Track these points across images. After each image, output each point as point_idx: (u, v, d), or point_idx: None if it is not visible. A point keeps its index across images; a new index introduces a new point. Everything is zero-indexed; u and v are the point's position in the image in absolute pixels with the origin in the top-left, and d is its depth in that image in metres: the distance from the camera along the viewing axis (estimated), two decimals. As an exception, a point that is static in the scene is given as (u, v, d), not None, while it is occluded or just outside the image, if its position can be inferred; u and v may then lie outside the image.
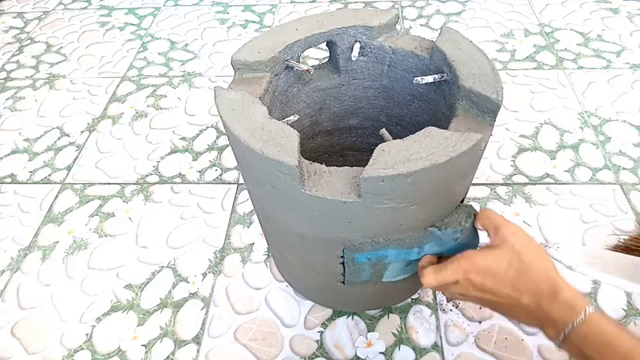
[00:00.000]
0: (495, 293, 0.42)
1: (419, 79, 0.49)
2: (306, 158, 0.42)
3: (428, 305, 0.64)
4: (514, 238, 0.43)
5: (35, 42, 1.19)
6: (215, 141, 0.90)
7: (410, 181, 0.38)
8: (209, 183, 0.82)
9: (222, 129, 0.92)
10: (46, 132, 0.94)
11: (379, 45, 0.53)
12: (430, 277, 0.45)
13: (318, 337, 0.62)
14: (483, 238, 0.47)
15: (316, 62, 1.04)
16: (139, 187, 0.83)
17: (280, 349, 0.61)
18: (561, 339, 0.39)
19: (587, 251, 0.52)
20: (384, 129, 0.46)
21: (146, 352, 0.62)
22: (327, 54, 0.59)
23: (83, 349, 0.63)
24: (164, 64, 1.09)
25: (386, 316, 0.63)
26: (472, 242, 0.49)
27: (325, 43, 0.54)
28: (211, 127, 0.93)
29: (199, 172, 0.84)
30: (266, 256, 0.71)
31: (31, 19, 1.27)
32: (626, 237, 0.68)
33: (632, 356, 0.36)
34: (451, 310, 0.63)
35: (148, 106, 0.98)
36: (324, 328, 0.63)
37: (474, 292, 0.44)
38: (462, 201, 0.52)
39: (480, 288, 0.43)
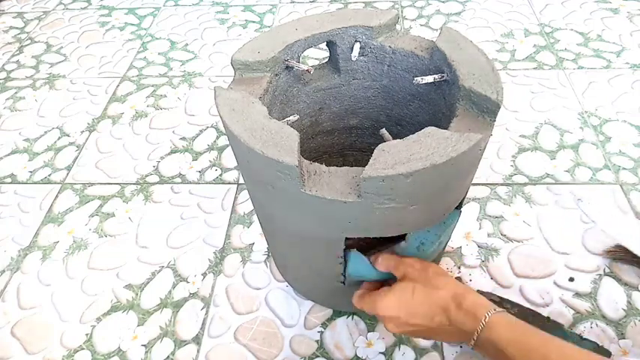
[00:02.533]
0: (412, 324, 0.44)
1: (419, 79, 0.49)
2: (306, 158, 0.42)
3: (428, 305, 0.64)
4: (411, 269, 0.46)
5: (35, 42, 1.19)
6: (215, 141, 0.90)
7: (410, 181, 0.38)
8: (209, 183, 0.82)
9: (222, 129, 0.92)
10: (46, 132, 0.94)
11: (379, 45, 0.53)
12: (355, 299, 0.50)
13: (318, 337, 0.62)
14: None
15: (316, 62, 1.04)
16: (139, 187, 0.83)
17: (280, 349, 0.61)
18: (472, 346, 0.41)
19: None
20: (384, 129, 0.46)
21: (146, 352, 0.62)
22: (327, 54, 0.59)
23: (83, 349, 0.63)
24: (164, 64, 1.09)
25: (386, 316, 0.63)
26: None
27: (325, 43, 0.54)
28: (211, 127, 0.93)
29: (199, 172, 0.84)
30: (266, 256, 0.71)
31: (31, 19, 1.27)
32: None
33: (529, 356, 0.37)
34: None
35: (148, 106, 0.98)
36: (324, 328, 0.63)
37: (399, 328, 0.45)
38: (462, 201, 0.52)
39: (399, 322, 0.45)
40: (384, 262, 0.48)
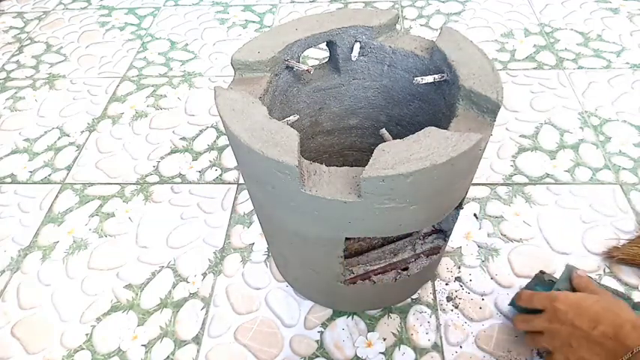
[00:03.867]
0: (573, 324, 0.47)
1: (419, 79, 0.49)
2: (306, 158, 0.42)
3: (428, 305, 0.64)
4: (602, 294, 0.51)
5: (35, 42, 1.19)
6: (215, 141, 0.90)
7: (410, 181, 0.38)
8: (209, 183, 0.82)
9: (222, 129, 0.92)
10: (46, 132, 0.94)
11: (379, 45, 0.53)
12: (519, 318, 0.55)
13: (318, 337, 0.62)
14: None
15: (316, 62, 1.04)
16: (139, 187, 0.83)
17: (280, 349, 0.61)
18: (625, 358, 0.43)
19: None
20: (384, 129, 0.46)
21: (146, 352, 0.62)
22: (327, 54, 0.59)
23: (83, 349, 0.63)
24: (164, 64, 1.09)
25: (386, 316, 0.63)
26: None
27: (325, 43, 0.54)
28: (211, 127, 0.93)
29: (199, 172, 0.84)
30: (266, 256, 0.71)
31: (31, 19, 1.27)
32: (625, 241, 0.68)
33: None
34: (451, 310, 0.64)
35: (148, 106, 0.98)
36: (324, 328, 0.63)
37: (555, 324, 0.48)
38: (462, 201, 0.52)
39: (563, 318, 0.48)
40: (581, 283, 0.53)
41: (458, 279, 0.67)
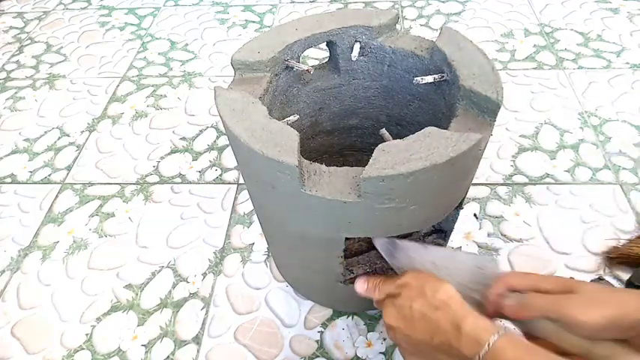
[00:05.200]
0: (413, 339, 0.41)
1: (419, 79, 0.49)
2: (306, 158, 0.42)
3: (428, 305, 0.64)
4: (408, 289, 0.43)
5: (35, 42, 1.19)
6: (215, 141, 0.90)
7: (410, 181, 0.38)
8: (209, 183, 0.82)
9: (222, 129, 0.92)
10: (46, 132, 0.94)
11: (379, 45, 0.53)
12: (360, 284, 0.49)
13: (318, 337, 0.62)
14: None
15: (316, 62, 1.04)
16: (139, 187, 0.83)
17: (280, 349, 0.61)
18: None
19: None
20: (384, 129, 0.46)
21: (146, 352, 0.62)
22: (327, 54, 0.59)
23: (83, 349, 0.63)
24: (164, 64, 1.09)
25: (386, 316, 0.63)
26: None
27: (325, 43, 0.54)
28: (211, 127, 0.93)
29: (199, 172, 0.84)
30: (266, 256, 0.71)
31: (31, 19, 1.27)
32: (625, 240, 0.68)
33: None
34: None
35: (148, 106, 0.98)
36: (324, 328, 0.63)
37: (401, 339, 0.43)
38: (462, 201, 0.52)
39: (401, 334, 0.42)
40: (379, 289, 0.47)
41: (458, 279, 0.67)
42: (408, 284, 0.44)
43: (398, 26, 1.01)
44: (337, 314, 0.64)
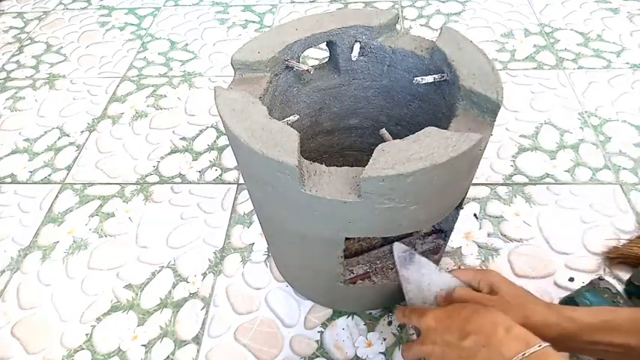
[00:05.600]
0: (444, 339, 0.43)
1: (419, 79, 0.49)
2: (306, 158, 0.42)
3: (428, 305, 0.64)
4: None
5: (35, 42, 1.19)
6: (215, 141, 0.90)
7: (410, 181, 0.38)
8: (209, 183, 0.82)
9: (222, 129, 0.92)
10: (46, 132, 0.94)
11: (379, 45, 0.53)
12: (400, 313, 0.50)
13: (318, 337, 0.62)
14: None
15: (316, 62, 1.04)
16: (139, 187, 0.83)
17: (280, 349, 0.61)
18: None
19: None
20: (384, 129, 0.46)
21: (146, 352, 0.62)
22: (327, 54, 0.59)
23: (83, 349, 0.63)
24: (164, 64, 1.09)
25: (386, 316, 0.63)
26: None
27: (325, 43, 0.54)
28: (211, 127, 0.93)
29: (199, 172, 0.84)
30: (266, 256, 0.71)
31: (31, 19, 1.27)
32: (625, 240, 0.68)
33: None
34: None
35: (148, 106, 0.98)
36: (324, 328, 0.63)
37: (429, 345, 0.44)
38: (462, 201, 0.52)
39: (433, 337, 0.44)
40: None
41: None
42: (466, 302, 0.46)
43: (398, 26, 1.01)
44: (337, 314, 0.64)
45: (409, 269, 0.50)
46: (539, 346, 0.38)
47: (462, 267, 0.68)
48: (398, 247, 0.50)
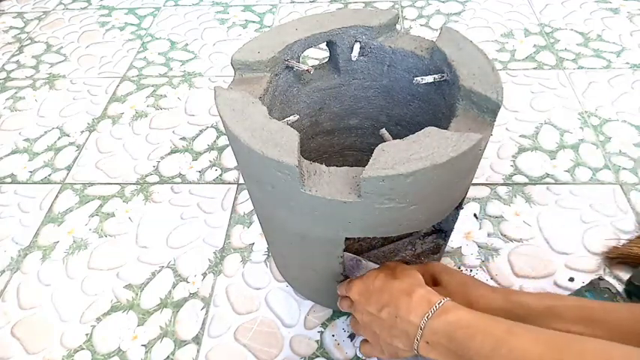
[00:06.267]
0: (368, 311, 0.44)
1: (419, 79, 0.49)
2: (306, 158, 0.42)
3: (428, 305, 0.64)
4: (382, 272, 0.47)
5: (35, 42, 1.19)
6: (215, 141, 0.90)
7: (410, 181, 0.38)
8: (209, 183, 0.82)
9: (222, 129, 0.92)
10: (46, 132, 0.94)
11: (379, 45, 0.53)
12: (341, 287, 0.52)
13: (318, 337, 0.62)
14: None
15: (316, 62, 1.04)
16: (139, 187, 0.83)
17: (280, 349, 0.61)
18: (419, 337, 0.39)
19: None
20: (384, 129, 0.46)
21: (146, 352, 0.62)
22: (327, 54, 0.59)
23: (83, 349, 0.63)
24: (164, 64, 1.09)
25: (386, 316, 0.63)
26: None
27: (325, 43, 0.54)
28: (211, 127, 0.93)
29: (199, 172, 0.84)
30: (266, 256, 0.71)
31: (31, 19, 1.27)
32: (625, 240, 0.68)
33: (491, 332, 0.36)
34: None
35: (148, 106, 0.98)
36: (324, 328, 0.63)
37: (358, 314, 0.46)
38: (462, 201, 0.52)
39: (359, 308, 0.46)
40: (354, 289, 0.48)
41: (458, 279, 0.67)
42: (384, 266, 0.48)
43: (398, 26, 1.01)
44: (337, 314, 0.64)
45: (356, 275, 0.52)
46: (440, 302, 0.39)
47: (461, 267, 0.68)
48: (347, 257, 0.53)
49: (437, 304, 0.39)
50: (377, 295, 0.44)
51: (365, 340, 0.50)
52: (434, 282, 0.49)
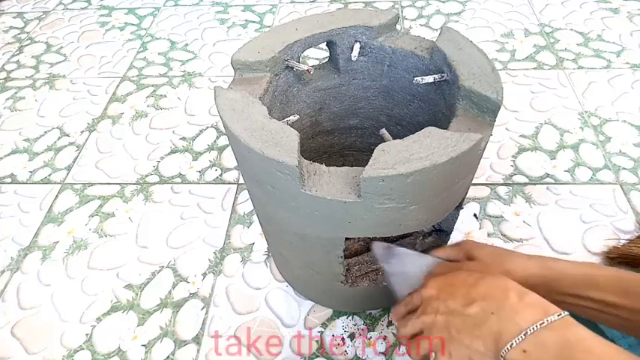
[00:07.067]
0: (448, 307, 0.39)
1: (419, 79, 0.49)
2: (306, 158, 0.42)
3: (428, 305, 0.64)
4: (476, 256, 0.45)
5: (35, 42, 1.19)
6: (215, 141, 0.90)
7: (410, 181, 0.38)
8: (209, 183, 0.82)
9: (222, 129, 0.92)
10: (46, 132, 0.94)
11: (379, 45, 0.53)
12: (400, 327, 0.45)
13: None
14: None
15: (316, 62, 1.04)
16: (139, 187, 0.83)
17: (280, 349, 0.61)
18: (517, 341, 0.34)
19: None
20: (384, 129, 0.46)
21: (146, 352, 0.62)
22: (327, 54, 0.59)
23: (83, 349, 0.63)
24: (164, 64, 1.09)
25: (386, 315, 0.63)
26: None
27: (325, 43, 0.54)
28: (211, 127, 0.93)
29: (199, 172, 0.84)
30: (266, 256, 0.71)
31: (31, 19, 1.27)
32: (625, 240, 0.68)
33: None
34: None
35: (148, 106, 0.98)
36: (324, 328, 0.63)
37: (430, 316, 0.40)
38: (462, 201, 0.52)
39: (435, 305, 0.40)
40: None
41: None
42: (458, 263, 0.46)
43: (398, 26, 1.01)
44: (337, 314, 0.64)
45: (392, 263, 0.50)
46: (559, 315, 0.34)
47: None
48: (377, 246, 0.50)
49: (556, 315, 0.34)
50: (467, 289, 0.39)
51: (415, 345, 0.42)
52: (468, 258, 0.47)
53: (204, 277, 0.69)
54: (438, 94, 0.51)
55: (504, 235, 0.71)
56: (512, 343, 0.34)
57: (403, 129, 0.62)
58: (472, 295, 0.38)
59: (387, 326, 0.62)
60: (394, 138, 0.41)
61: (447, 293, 0.40)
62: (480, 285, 0.38)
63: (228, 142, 0.89)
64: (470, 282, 0.39)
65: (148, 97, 1.01)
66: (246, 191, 0.80)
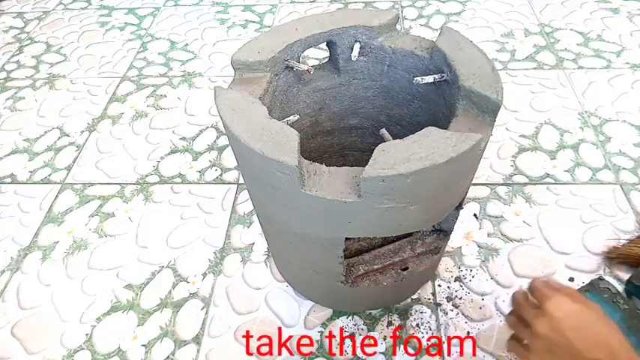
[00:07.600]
0: (566, 336, 0.38)
1: (419, 79, 0.49)
2: (306, 158, 0.42)
3: (428, 305, 0.64)
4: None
5: (35, 42, 1.19)
6: (215, 141, 0.90)
7: (410, 181, 0.38)
8: (209, 183, 0.82)
9: (222, 129, 0.92)
10: (46, 132, 0.94)
11: (379, 45, 0.53)
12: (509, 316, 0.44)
13: (318, 337, 0.62)
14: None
15: (316, 62, 1.04)
16: (139, 187, 0.83)
17: (280, 349, 0.61)
18: None
19: None
20: (384, 129, 0.46)
21: (146, 352, 0.62)
22: (327, 54, 0.59)
23: (83, 349, 0.63)
24: (164, 64, 1.09)
25: (386, 316, 0.63)
26: None
27: (325, 43, 0.54)
28: (211, 127, 0.93)
29: (199, 172, 0.84)
30: (266, 256, 0.71)
31: (31, 19, 1.27)
32: (625, 240, 0.68)
33: None
34: (451, 310, 0.63)
35: (148, 106, 0.98)
36: (324, 328, 0.63)
37: (544, 328, 0.40)
38: (462, 201, 0.52)
39: (554, 325, 0.39)
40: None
41: (458, 279, 0.67)
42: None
43: (398, 26, 1.01)
44: (337, 314, 0.64)
45: None
46: None
47: (461, 267, 0.68)
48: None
49: None
50: (594, 333, 0.38)
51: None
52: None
53: (204, 277, 0.69)
54: (438, 94, 0.51)
55: (504, 235, 0.71)
56: None
57: (403, 129, 0.62)
58: (596, 342, 0.38)
59: (387, 326, 0.62)
60: (394, 138, 0.41)
61: (573, 326, 0.39)
62: (604, 338, 0.38)
63: (228, 142, 0.89)
64: (597, 329, 0.39)
65: (148, 97, 1.01)
66: (246, 191, 0.80)
